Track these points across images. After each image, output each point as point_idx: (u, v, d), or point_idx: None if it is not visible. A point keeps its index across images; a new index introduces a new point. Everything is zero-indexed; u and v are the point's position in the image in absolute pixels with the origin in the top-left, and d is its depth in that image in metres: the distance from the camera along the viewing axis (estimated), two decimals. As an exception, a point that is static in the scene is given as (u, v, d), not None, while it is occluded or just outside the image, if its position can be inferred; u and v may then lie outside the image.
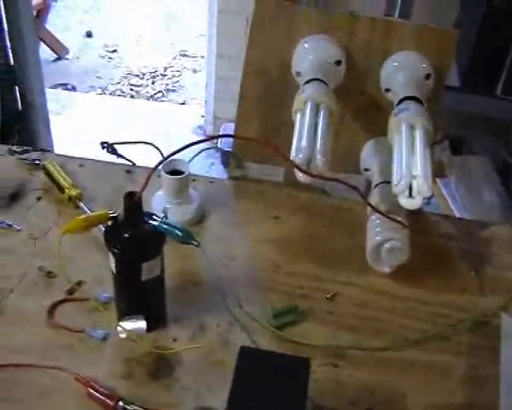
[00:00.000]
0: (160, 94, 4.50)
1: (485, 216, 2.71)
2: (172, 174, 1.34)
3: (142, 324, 1.05)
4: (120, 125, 4.01)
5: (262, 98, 1.43)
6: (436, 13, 3.01)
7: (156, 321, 1.13)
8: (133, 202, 1.02)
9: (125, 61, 4.91)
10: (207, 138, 1.30)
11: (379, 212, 1.25)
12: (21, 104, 3.13)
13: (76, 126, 3.92)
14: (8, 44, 3.02)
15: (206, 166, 3.52)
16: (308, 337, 1.15)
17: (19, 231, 1.35)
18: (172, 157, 1.24)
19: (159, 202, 1.35)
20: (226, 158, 3.53)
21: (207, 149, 3.64)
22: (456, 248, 1.39)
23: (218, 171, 3.51)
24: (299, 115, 1.20)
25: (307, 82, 1.26)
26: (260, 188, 1.49)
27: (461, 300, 1.26)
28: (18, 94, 3.12)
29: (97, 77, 4.72)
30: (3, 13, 2.94)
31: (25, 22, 2.94)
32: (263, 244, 1.35)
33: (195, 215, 1.37)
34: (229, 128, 3.60)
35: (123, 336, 1.05)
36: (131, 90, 4.55)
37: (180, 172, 1.35)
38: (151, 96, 4.48)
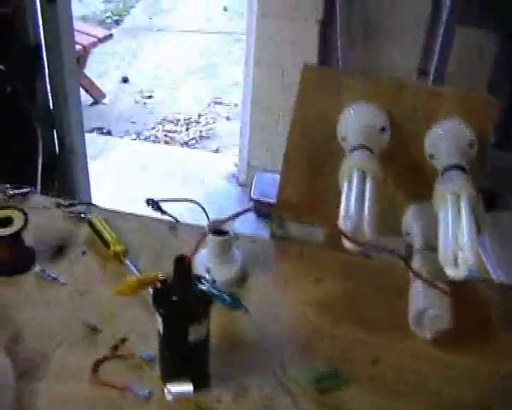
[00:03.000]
0: (193, 141, 4.56)
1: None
2: (216, 233, 1.35)
3: (189, 387, 1.06)
4: (155, 171, 4.06)
5: (307, 161, 1.45)
6: (470, 69, 3.03)
7: (200, 382, 1.13)
8: (183, 265, 1.03)
9: (160, 107, 4.98)
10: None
11: (421, 278, 1.25)
12: (60, 149, 3.19)
13: (111, 171, 3.97)
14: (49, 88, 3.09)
15: (250, 224, 3.53)
16: (351, 403, 1.15)
17: (64, 284, 1.37)
18: (217, 218, 1.26)
19: (202, 261, 1.36)
20: (258, 208, 3.55)
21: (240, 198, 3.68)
22: (498, 314, 1.38)
23: (249, 220, 3.52)
24: (346, 182, 1.21)
25: (353, 148, 1.28)
26: (301, 248, 1.50)
27: (504, 368, 1.25)
28: (56, 139, 3.17)
29: (132, 122, 4.80)
30: (45, 57, 3.01)
31: (68, 68, 3.00)
32: (305, 306, 1.35)
33: (238, 275, 1.38)
34: (263, 178, 3.64)
35: (169, 398, 1.06)
36: (166, 136, 4.61)
37: (223, 232, 1.36)
38: (185, 143, 4.53)
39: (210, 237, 1.33)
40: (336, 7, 3.12)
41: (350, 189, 1.19)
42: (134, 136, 4.63)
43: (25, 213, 1.39)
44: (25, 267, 1.40)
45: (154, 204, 1.45)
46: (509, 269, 2.74)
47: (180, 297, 1.05)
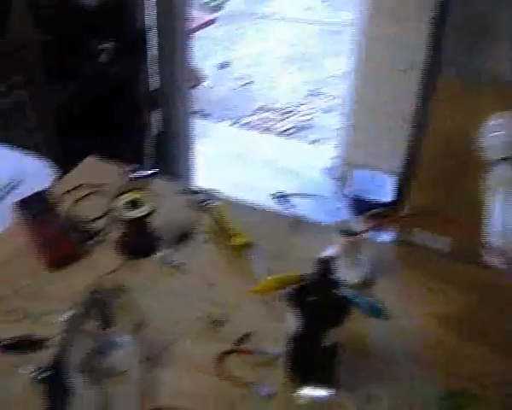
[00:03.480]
0: (290, 131, 4.52)
1: None
2: (344, 234, 1.32)
3: (323, 392, 1.03)
4: (251, 159, 4.05)
5: (441, 169, 1.39)
6: None
7: (326, 386, 1.10)
8: (326, 268, 1.00)
9: (258, 95, 4.97)
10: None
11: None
12: (164, 130, 3.21)
13: (208, 155, 3.98)
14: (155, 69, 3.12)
15: (332, 209, 3.48)
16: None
17: (187, 273, 1.36)
18: (347, 219, 1.23)
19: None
20: (353, 204, 3.49)
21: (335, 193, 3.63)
22: None
23: (343, 216, 3.47)
24: (491, 198, 1.16)
25: (497, 162, 1.22)
26: (427, 257, 1.44)
27: None
28: (160, 120, 3.20)
29: (230, 108, 4.80)
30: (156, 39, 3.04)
31: (179, 51, 3.01)
32: (429, 318, 1.30)
33: (364, 279, 1.34)
34: (361, 176, 3.58)
35: (301, 402, 1.03)
36: (263, 124, 4.60)
37: (353, 233, 1.32)
38: (282, 132, 4.51)
39: (338, 236, 1.29)
40: (446, 7, 3.02)
41: (496, 205, 1.14)
42: (231, 122, 4.64)
43: (153, 198, 1.39)
44: (149, 252, 1.40)
45: (281, 198, 1.42)
46: None
47: (319, 300, 1.02)
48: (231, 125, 4.61)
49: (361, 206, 3.45)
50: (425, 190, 1.43)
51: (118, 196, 1.40)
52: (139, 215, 1.35)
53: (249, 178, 3.75)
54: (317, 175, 3.96)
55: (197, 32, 5.03)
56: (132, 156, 2.99)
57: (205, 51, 5.52)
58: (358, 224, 1.33)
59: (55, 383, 1.11)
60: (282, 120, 4.66)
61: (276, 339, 1.19)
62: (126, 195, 1.39)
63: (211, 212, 1.48)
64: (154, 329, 1.24)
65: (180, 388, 1.14)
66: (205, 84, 5.06)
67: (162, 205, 1.44)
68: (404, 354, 1.22)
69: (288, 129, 4.55)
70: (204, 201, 1.52)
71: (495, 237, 1.09)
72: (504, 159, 1.23)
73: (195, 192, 1.55)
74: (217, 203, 1.50)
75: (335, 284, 1.04)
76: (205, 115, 4.65)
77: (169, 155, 3.20)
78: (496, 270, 1.31)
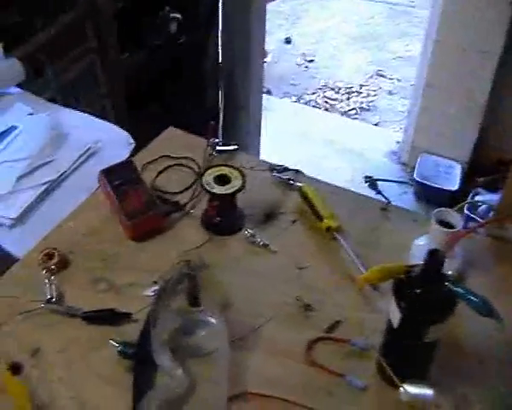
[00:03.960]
0: (353, 111, 4.45)
1: None
2: (440, 224, 1.26)
3: (428, 391, 0.99)
4: (314, 137, 4.00)
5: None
6: None
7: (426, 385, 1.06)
8: (437, 261, 0.95)
9: (321, 73, 4.90)
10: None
11: None
12: (230, 104, 3.17)
13: (271, 131, 3.93)
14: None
15: (397, 193, 3.42)
16: None
17: (274, 253, 1.32)
18: (445, 209, 1.18)
19: (420, 252, 1.27)
20: (421, 190, 3.42)
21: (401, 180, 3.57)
22: None
23: (408, 201, 3.40)
24: None
25: None
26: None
27: None
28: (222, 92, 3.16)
29: (293, 84, 4.74)
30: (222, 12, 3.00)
31: (253, 22, 2.96)
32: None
33: (457, 272, 1.29)
34: (427, 160, 3.50)
35: (405, 398, 0.99)
36: (326, 102, 4.53)
37: (449, 225, 1.26)
38: (345, 112, 4.43)
39: (437, 228, 1.24)
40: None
41: None
42: (294, 98, 4.58)
43: (242, 174, 1.35)
44: (235, 229, 1.37)
45: (371, 182, 1.37)
46: None
47: (425, 292, 0.97)
48: (294, 101, 4.55)
49: (426, 192, 3.38)
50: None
51: (206, 170, 1.36)
52: (228, 191, 1.31)
53: (312, 157, 3.70)
54: (382, 158, 3.89)
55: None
56: (199, 129, 2.97)
57: (269, 26, 5.44)
58: (455, 215, 1.27)
59: (142, 360, 1.09)
60: (346, 99, 4.58)
61: (369, 330, 1.15)
62: (214, 169, 1.36)
63: (299, 191, 1.43)
64: (239, 310, 1.21)
65: (267, 373, 1.11)
66: (268, 59, 4.99)
67: (248, 181, 1.41)
68: (498, 357, 1.16)
69: (351, 109, 4.47)
70: (290, 179, 1.48)
71: None
72: None
73: (282, 170, 1.50)
74: (304, 183, 1.45)
75: (444, 277, 0.99)
76: (267, 90, 4.60)
77: (236, 130, 3.16)
78: None
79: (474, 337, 1.19)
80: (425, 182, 3.42)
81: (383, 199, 1.44)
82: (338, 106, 4.51)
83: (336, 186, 1.50)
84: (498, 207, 1.40)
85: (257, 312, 1.20)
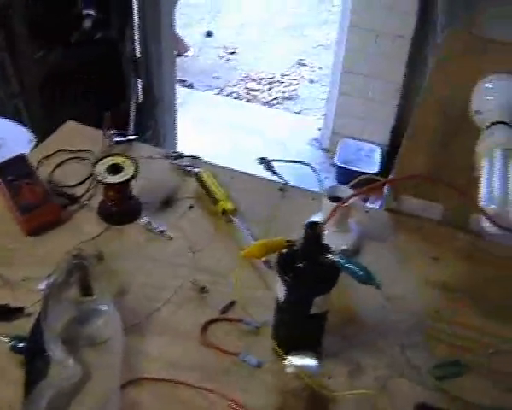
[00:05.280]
0: (275, 101, 4.47)
1: None
2: (332, 200, 1.28)
3: (312, 361, 1.00)
4: (236, 128, 4.00)
5: (434, 132, 1.35)
6: None
7: (315, 356, 1.07)
8: (315, 233, 0.97)
9: (243, 64, 4.91)
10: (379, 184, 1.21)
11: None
12: (147, 97, 3.15)
13: (193, 124, 3.93)
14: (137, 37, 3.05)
15: (319, 180, 3.44)
16: (470, 394, 1.07)
17: (171, 239, 1.32)
18: (335, 185, 1.20)
19: (315, 228, 1.29)
20: (342, 174, 3.47)
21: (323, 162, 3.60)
22: None
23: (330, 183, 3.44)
24: (486, 161, 1.12)
25: (492, 124, 1.18)
26: (418, 224, 1.41)
27: None
28: (141, 86, 3.14)
29: (215, 77, 4.74)
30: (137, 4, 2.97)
31: (164, 16, 2.94)
32: (422, 286, 1.27)
33: (352, 246, 1.31)
34: (348, 143, 3.54)
35: (290, 370, 1.00)
36: (248, 93, 4.54)
37: (339, 200, 1.28)
38: (267, 102, 4.45)
39: (329, 203, 1.25)
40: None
41: (492, 168, 1.10)
42: (216, 91, 4.57)
43: (135, 162, 1.34)
44: (131, 218, 1.36)
45: (265, 163, 1.38)
46: None
47: (308, 265, 0.99)
48: (216, 94, 4.55)
49: (348, 176, 3.42)
50: (416, 154, 1.39)
51: (99, 160, 1.35)
52: (120, 180, 1.30)
53: (235, 148, 3.71)
54: (304, 145, 3.92)
55: (181, 0, 4.96)
56: (116, 123, 2.94)
57: (190, 20, 5.44)
58: (347, 191, 1.29)
59: (34, 353, 1.07)
60: (268, 89, 4.60)
61: (264, 307, 1.16)
62: (107, 159, 1.35)
63: (196, 177, 1.43)
64: (136, 296, 1.20)
65: (164, 357, 1.10)
66: (190, 53, 4.98)
67: (145, 170, 1.40)
68: (396, 322, 1.19)
69: (273, 99, 4.49)
70: (188, 166, 1.48)
71: (489, 201, 1.05)
72: (499, 122, 1.19)
73: (179, 156, 1.50)
74: (201, 168, 1.45)
75: (325, 249, 1.00)
76: (189, 84, 4.59)
77: (153, 123, 3.15)
78: (490, 236, 1.28)
79: (367, 306, 1.21)
80: (345, 166, 3.47)
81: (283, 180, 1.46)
82: (260, 96, 4.52)
83: (235, 170, 1.51)
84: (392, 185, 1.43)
85: (153, 297, 1.20)
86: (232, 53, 5.05)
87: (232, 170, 1.51)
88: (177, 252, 1.29)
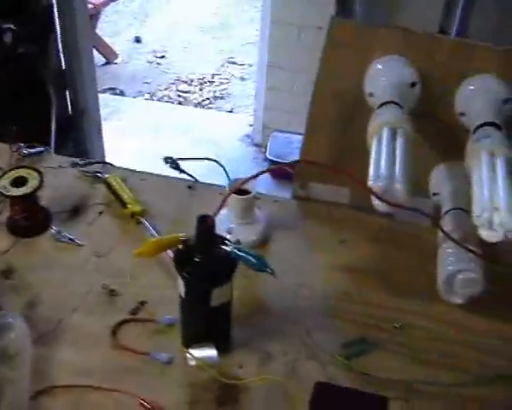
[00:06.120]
0: (207, 101, 4.49)
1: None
2: (237, 193, 1.30)
3: (212, 352, 1.02)
4: (168, 132, 4.00)
5: (332, 118, 1.39)
6: (495, 28, 2.93)
7: (222, 347, 1.09)
8: (206, 226, 0.99)
9: (174, 68, 4.91)
10: (277, 167, 1.24)
11: (453, 240, 1.20)
12: (73, 110, 3.14)
13: (124, 132, 3.92)
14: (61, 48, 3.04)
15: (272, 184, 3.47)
16: (378, 369, 1.10)
17: (81, 246, 1.33)
18: (239, 177, 1.22)
19: (223, 222, 1.31)
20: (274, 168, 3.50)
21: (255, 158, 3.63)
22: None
23: (265, 181, 3.47)
24: (375, 140, 1.16)
25: (382, 105, 1.22)
26: (326, 210, 1.44)
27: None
28: (69, 99, 3.12)
29: (145, 82, 4.73)
30: (57, 17, 2.95)
31: (80, 27, 2.94)
32: (330, 270, 1.31)
33: (261, 236, 1.33)
34: (278, 137, 3.58)
35: (192, 363, 1.02)
36: (179, 96, 4.55)
37: (245, 192, 1.31)
38: (199, 103, 4.47)
39: (232, 196, 1.28)
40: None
41: (380, 147, 1.14)
42: (147, 96, 4.57)
43: (40, 173, 1.34)
44: (41, 229, 1.36)
45: (172, 162, 1.39)
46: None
47: (203, 259, 1.01)
48: (147, 99, 4.54)
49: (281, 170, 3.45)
50: (318, 139, 1.42)
51: (4, 174, 1.34)
52: (24, 192, 1.30)
53: (167, 151, 3.69)
54: (237, 142, 3.94)
55: (107, 7, 4.94)
56: (41, 138, 2.91)
57: (117, 27, 5.41)
58: (251, 183, 1.32)
59: None
60: (199, 90, 4.62)
61: (174, 305, 1.16)
62: (12, 172, 1.35)
63: (105, 182, 1.44)
64: (48, 306, 1.20)
65: (75, 363, 1.11)
66: (119, 60, 4.96)
67: (54, 180, 1.40)
68: (303, 307, 1.22)
69: (204, 99, 4.51)
70: (97, 172, 1.48)
71: (376, 179, 1.09)
72: (389, 102, 1.23)
73: (88, 164, 1.51)
74: (111, 174, 1.46)
75: (218, 241, 1.02)
76: (120, 91, 4.57)
77: (79, 135, 3.14)
78: (397, 216, 1.32)
79: (275, 295, 1.23)
80: (277, 160, 3.50)
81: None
82: (191, 98, 4.53)
83: (145, 172, 1.52)
84: (296, 170, 1.46)
85: (64, 305, 1.20)
86: (162, 57, 5.05)
87: (142, 172, 1.52)
88: (87, 258, 1.30)
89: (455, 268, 1.19)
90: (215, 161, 1.41)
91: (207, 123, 4.17)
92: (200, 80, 4.72)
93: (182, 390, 1.07)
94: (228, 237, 1.13)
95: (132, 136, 3.91)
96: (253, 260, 1.02)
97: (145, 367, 1.10)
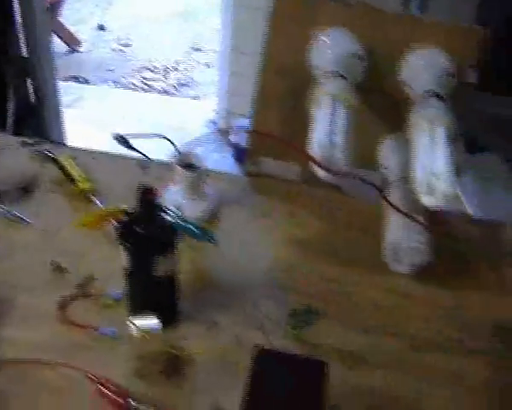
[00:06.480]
0: (172, 88, 4.47)
1: (500, 215, 2.66)
2: (187, 169, 1.31)
3: (153, 321, 1.02)
4: (133, 119, 3.98)
5: (280, 93, 1.40)
6: (454, 8, 2.96)
7: (169, 319, 1.10)
8: (148, 196, 0.99)
9: (138, 55, 4.88)
10: (221, 132, 1.26)
11: (399, 211, 1.22)
12: (34, 97, 3.11)
13: (88, 119, 3.89)
14: (21, 37, 3.01)
15: (217, 159, 3.48)
16: (324, 338, 1.13)
17: (30, 225, 1.32)
18: (187, 151, 1.22)
19: (172, 197, 1.32)
20: (237, 152, 3.51)
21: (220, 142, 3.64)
22: (476, 248, 1.35)
23: (229, 164, 3.48)
24: (316, 110, 1.17)
25: (326, 76, 1.23)
26: (276, 185, 1.46)
27: (482, 302, 1.23)
28: (31, 87, 3.10)
29: (110, 70, 4.70)
30: (17, 5, 2.93)
31: (38, 14, 2.92)
32: (279, 243, 1.32)
33: (210, 211, 1.34)
34: (242, 123, 3.58)
35: (134, 333, 1.03)
36: (144, 83, 4.53)
37: (194, 167, 1.32)
38: (164, 90, 4.45)
39: (180, 171, 1.28)
40: None
41: (321, 117, 1.15)
42: (111, 84, 4.54)
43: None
44: (-11, 208, 1.35)
45: (121, 140, 1.39)
46: (488, 210, 2.71)
47: (145, 229, 1.01)
48: (112, 87, 4.52)
49: (243, 153, 3.46)
50: (267, 113, 1.43)
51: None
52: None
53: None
54: (202, 128, 3.94)
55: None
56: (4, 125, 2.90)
57: (80, 14, 5.36)
58: (198, 158, 1.32)
59: None
60: (164, 77, 4.60)
61: (121, 280, 1.17)
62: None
63: (56, 162, 1.43)
64: (-2, 286, 1.20)
65: (24, 340, 1.10)
66: (83, 48, 4.92)
67: (3, 159, 1.39)
68: (252, 279, 1.23)
69: (170, 86, 4.49)
70: (48, 151, 1.47)
71: (317, 148, 1.10)
72: (333, 74, 1.24)
73: (38, 143, 1.50)
74: (62, 153, 1.45)
75: (160, 211, 1.03)
76: (84, 80, 4.54)
77: (40, 122, 3.11)
78: (335, 188, 1.34)
79: (225, 268, 1.25)
80: (241, 143, 3.50)
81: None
82: (156, 85, 4.52)
83: (96, 151, 1.52)
84: (248, 147, 1.47)
85: (11, 283, 1.20)
86: (126, 45, 5.02)
87: (93, 151, 1.52)
88: (38, 237, 1.30)
89: (400, 238, 1.21)
90: (164, 137, 1.41)
91: (172, 110, 4.16)
92: (165, 67, 4.70)
93: (129, 363, 1.08)
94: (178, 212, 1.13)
95: (95, 123, 3.88)
96: (195, 229, 1.03)
97: (93, 342, 1.10)
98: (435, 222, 1.27)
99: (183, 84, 4.52)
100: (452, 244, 1.33)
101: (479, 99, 2.75)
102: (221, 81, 3.84)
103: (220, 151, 3.58)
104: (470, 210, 2.77)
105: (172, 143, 1.39)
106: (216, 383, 1.04)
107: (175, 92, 4.44)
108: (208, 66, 4.73)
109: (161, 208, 1.03)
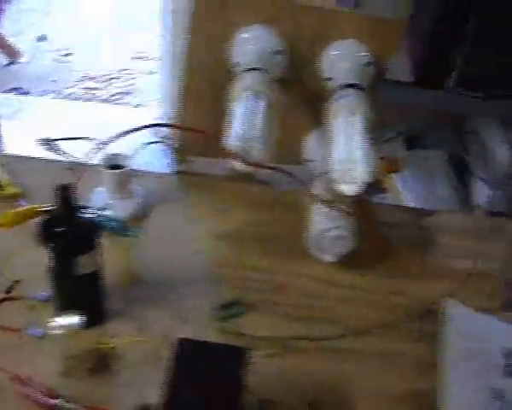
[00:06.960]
0: (115, 97, 4.45)
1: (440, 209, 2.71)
2: (113, 169, 1.31)
3: (74, 319, 1.02)
4: (75, 129, 3.93)
5: (204, 91, 1.41)
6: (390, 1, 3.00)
7: (95, 317, 1.10)
8: (65, 194, 0.99)
9: (80, 65, 4.83)
10: (143, 127, 1.28)
11: (321, 201, 1.24)
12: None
13: (28, 131, 3.84)
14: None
15: (153, 160, 3.47)
16: (254, 329, 1.14)
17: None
18: (114, 153, 1.22)
19: (100, 198, 1.32)
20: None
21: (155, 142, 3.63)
22: (404, 236, 1.39)
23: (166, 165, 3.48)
24: (235, 104, 1.18)
25: (246, 72, 1.25)
26: (205, 182, 1.48)
27: (408, 288, 1.26)
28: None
29: (51, 81, 4.65)
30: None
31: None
32: (208, 238, 1.34)
33: (138, 210, 1.35)
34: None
35: (55, 332, 1.02)
36: (86, 93, 4.49)
37: (121, 167, 1.32)
38: (106, 99, 4.43)
39: (105, 172, 1.29)
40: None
41: (239, 110, 1.16)
42: (53, 95, 4.49)
43: None
44: None
45: (46, 144, 1.38)
46: (429, 205, 2.77)
47: (64, 228, 1.01)
48: (53, 98, 4.47)
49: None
50: (191, 113, 1.44)
51: None
52: None
53: (74, 149, 3.66)
54: (145, 136, 3.92)
55: (9, 5, 4.84)
56: None
57: (20, 25, 5.29)
58: (125, 158, 1.33)
59: None
60: (106, 86, 4.58)
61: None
62: None
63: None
64: None
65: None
66: (22, 59, 4.86)
67: None
68: (180, 275, 1.24)
69: (112, 95, 4.47)
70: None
71: (234, 140, 1.11)
72: (252, 69, 1.25)
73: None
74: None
75: (79, 209, 1.03)
76: (24, 91, 4.48)
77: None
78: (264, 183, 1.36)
79: (154, 265, 1.26)
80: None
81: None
82: (99, 94, 4.49)
83: (24, 156, 1.52)
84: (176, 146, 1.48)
85: None
86: (68, 54, 4.97)
87: (21, 156, 1.51)
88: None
89: (324, 227, 1.23)
90: (88, 138, 1.41)
91: (115, 118, 4.13)
92: (108, 76, 4.67)
93: (56, 362, 1.07)
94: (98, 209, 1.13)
95: (36, 134, 3.83)
96: (114, 224, 1.03)
97: (20, 344, 1.10)
98: (360, 211, 1.30)
99: (125, 93, 4.50)
100: (378, 231, 1.36)
101: (421, 95, 2.81)
102: (163, 87, 3.83)
103: (164, 158, 3.58)
104: (411, 204, 2.83)
105: (99, 143, 1.38)
106: (144, 380, 1.05)
107: (118, 101, 4.42)
108: (151, 73, 4.72)
109: (80, 206, 1.03)
